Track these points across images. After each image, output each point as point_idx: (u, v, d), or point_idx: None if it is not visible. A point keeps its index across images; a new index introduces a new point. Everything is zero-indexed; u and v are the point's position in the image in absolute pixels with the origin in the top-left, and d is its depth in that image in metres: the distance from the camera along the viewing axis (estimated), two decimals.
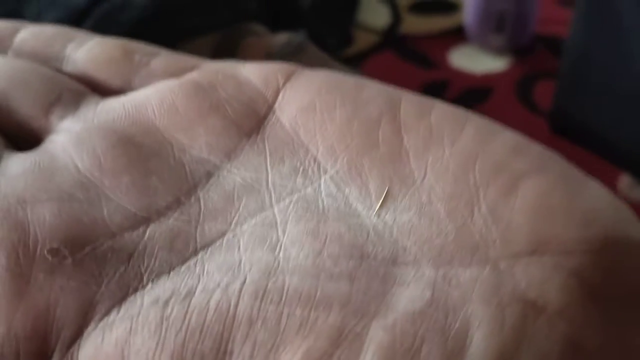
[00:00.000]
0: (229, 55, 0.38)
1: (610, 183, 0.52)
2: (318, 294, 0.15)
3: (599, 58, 0.47)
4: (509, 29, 0.58)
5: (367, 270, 0.15)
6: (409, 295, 0.15)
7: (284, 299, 0.15)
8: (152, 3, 0.33)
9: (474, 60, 0.59)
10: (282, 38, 0.39)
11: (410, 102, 0.18)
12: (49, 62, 0.20)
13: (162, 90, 0.19)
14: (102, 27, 0.32)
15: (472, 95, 0.57)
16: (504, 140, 0.17)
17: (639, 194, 0.52)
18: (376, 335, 0.14)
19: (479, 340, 0.14)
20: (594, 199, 0.16)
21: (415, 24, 0.63)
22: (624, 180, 0.53)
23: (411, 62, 0.60)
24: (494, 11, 0.57)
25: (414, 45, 0.61)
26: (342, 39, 0.60)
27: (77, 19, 0.32)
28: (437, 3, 0.66)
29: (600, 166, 0.49)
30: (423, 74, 0.59)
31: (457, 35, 0.61)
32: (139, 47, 0.20)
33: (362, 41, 0.61)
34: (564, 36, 0.50)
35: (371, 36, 0.62)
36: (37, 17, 0.32)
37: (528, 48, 0.60)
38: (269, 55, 0.38)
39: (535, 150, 0.17)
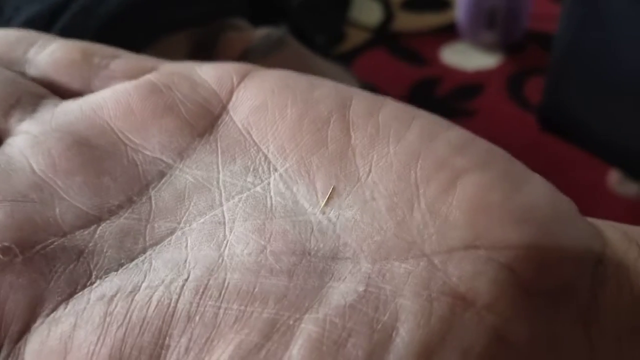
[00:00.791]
0: (209, 49, 0.38)
1: (599, 178, 0.52)
2: (256, 289, 0.15)
3: (587, 53, 0.48)
4: (500, 25, 0.58)
5: (307, 266, 0.16)
6: (343, 289, 0.15)
7: (223, 294, 0.15)
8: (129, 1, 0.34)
9: (466, 57, 0.59)
10: (262, 32, 0.40)
11: (360, 101, 0.18)
12: (11, 65, 0.20)
13: (118, 92, 0.19)
14: (80, 20, 0.32)
15: (463, 91, 0.57)
16: (448, 137, 0.17)
17: (628, 189, 0.53)
18: (306, 328, 0.14)
19: (404, 332, 0.14)
20: (532, 195, 0.16)
21: (407, 21, 0.63)
22: (613, 176, 0.53)
23: (403, 59, 0.60)
24: (485, 7, 0.57)
25: (405, 42, 0.61)
26: (333, 36, 0.61)
27: (55, 12, 0.32)
28: (429, 0, 0.66)
29: (590, 162, 0.50)
30: (415, 70, 0.59)
31: (449, 32, 0.61)
32: (99, 50, 0.21)
33: (354, 38, 0.61)
34: (556, 32, 0.50)
35: (363, 33, 0.62)
36: (17, 10, 0.33)
37: (519, 44, 0.60)
38: (248, 49, 0.38)
39: (479, 147, 0.17)
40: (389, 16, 0.64)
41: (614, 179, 0.52)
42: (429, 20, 0.63)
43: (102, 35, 0.32)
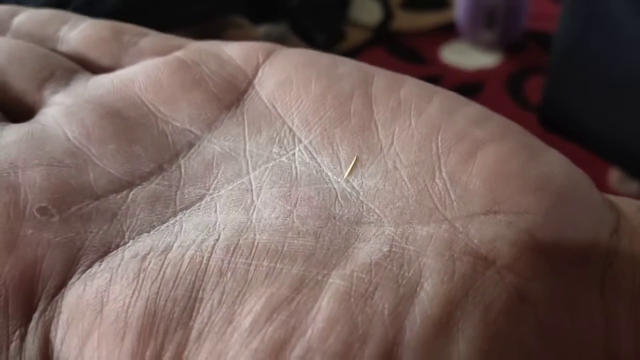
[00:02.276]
0: None
1: (600, 177, 0.53)
2: (285, 248, 0.16)
3: (587, 53, 0.48)
4: (499, 24, 0.59)
5: (332, 228, 0.16)
6: (368, 249, 0.16)
7: (253, 253, 0.16)
8: None
9: (465, 56, 0.60)
10: (262, 30, 0.40)
11: (382, 77, 0.19)
12: (44, 42, 0.21)
13: (148, 67, 0.20)
14: (83, 13, 0.33)
15: (463, 91, 0.57)
16: (467, 111, 0.18)
17: (629, 188, 0.53)
18: (334, 283, 0.15)
19: (428, 287, 0.15)
20: (549, 165, 0.17)
21: (407, 20, 0.64)
22: (614, 175, 0.53)
23: (403, 58, 0.61)
24: (485, 6, 0.58)
25: (405, 42, 0.62)
26: (333, 35, 0.61)
27: (59, 7, 0.33)
28: None
29: (591, 160, 0.50)
30: (414, 70, 0.60)
31: (449, 31, 0.62)
32: (129, 28, 0.21)
33: (354, 37, 0.62)
34: (555, 32, 0.51)
35: (363, 32, 0.63)
36: (19, 3, 0.33)
37: (519, 44, 0.61)
38: None
39: (497, 121, 0.18)
40: (388, 15, 0.64)
41: (615, 177, 0.53)
42: (428, 19, 0.64)
43: None
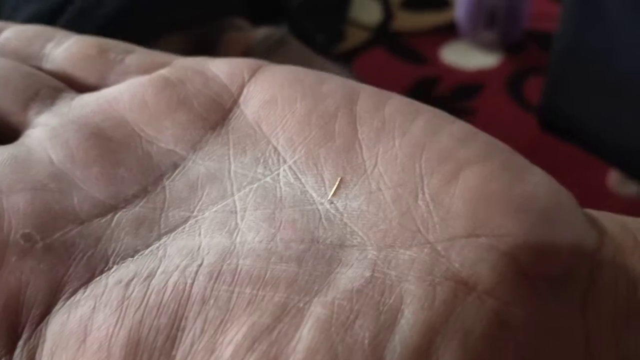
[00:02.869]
0: (210, 49, 0.39)
1: (599, 178, 0.52)
2: (267, 274, 0.16)
3: (587, 53, 0.48)
4: (499, 25, 0.59)
5: (315, 253, 0.16)
6: (350, 275, 0.16)
7: (235, 279, 0.16)
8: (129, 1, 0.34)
9: (466, 57, 0.60)
10: (262, 32, 0.40)
11: (367, 96, 0.19)
12: (29, 60, 0.21)
13: (133, 86, 0.20)
14: (79, 21, 0.33)
15: (463, 91, 0.58)
16: (451, 130, 0.18)
17: (628, 190, 0.53)
18: (315, 311, 0.15)
19: (409, 314, 0.15)
20: (532, 186, 0.17)
21: (407, 21, 0.64)
22: (613, 176, 0.53)
23: (403, 58, 0.61)
24: (485, 7, 0.58)
25: (405, 42, 0.62)
26: (333, 36, 0.61)
27: (54, 13, 0.33)
28: (429, 0, 0.66)
29: (590, 162, 0.50)
30: (414, 70, 0.60)
31: (449, 32, 0.62)
32: (115, 45, 0.21)
33: (354, 38, 0.62)
34: (555, 32, 0.50)
35: (363, 33, 0.63)
36: (15, 10, 0.33)
37: (519, 44, 0.61)
38: (249, 49, 0.39)
39: (482, 140, 0.18)
40: (388, 16, 0.64)
41: (614, 179, 0.52)
42: (428, 19, 0.64)
43: (101, 36, 0.32)
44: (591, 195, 0.50)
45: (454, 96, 0.57)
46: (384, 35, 0.63)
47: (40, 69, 0.21)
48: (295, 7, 0.55)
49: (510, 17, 0.58)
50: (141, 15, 0.36)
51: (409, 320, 0.15)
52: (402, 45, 0.62)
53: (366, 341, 0.15)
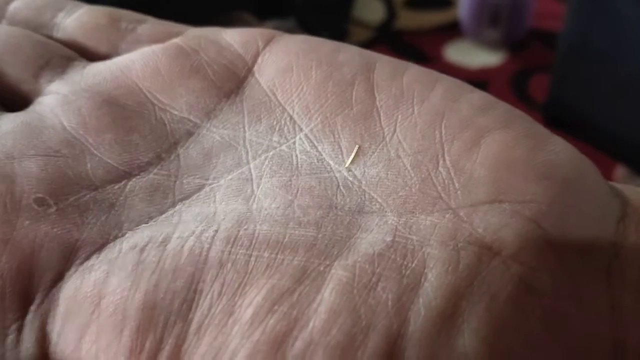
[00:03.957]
0: None
1: (606, 174, 0.52)
2: (286, 239, 0.16)
3: (592, 51, 0.48)
4: (503, 23, 0.58)
5: (334, 218, 0.16)
6: (370, 239, 0.15)
7: (253, 243, 0.16)
8: None
9: (469, 55, 0.60)
10: (269, 26, 0.40)
11: (384, 64, 0.19)
12: (40, 29, 0.21)
13: (146, 54, 0.20)
14: None
15: None
16: (471, 99, 0.18)
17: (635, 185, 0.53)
18: (336, 274, 0.15)
19: (432, 277, 0.14)
20: (555, 153, 0.17)
21: (411, 19, 0.64)
22: (620, 172, 0.53)
23: (406, 57, 0.60)
24: (489, 5, 0.58)
25: (409, 40, 0.62)
26: (336, 34, 0.61)
27: None
28: None
29: (596, 158, 0.50)
30: None
31: (453, 30, 0.62)
32: (126, 15, 0.21)
33: (357, 36, 0.62)
34: (559, 30, 0.50)
35: (366, 31, 0.63)
36: None
37: (523, 42, 0.60)
38: None
39: (502, 108, 0.18)
40: (392, 14, 0.64)
41: (620, 175, 0.52)
42: (432, 18, 0.64)
43: None
44: None
45: None
46: (387, 34, 0.62)
47: (51, 37, 0.21)
48: (299, 4, 0.55)
49: (514, 16, 0.58)
50: (148, 8, 0.36)
51: (433, 283, 0.14)
52: (405, 43, 0.61)
53: (390, 303, 0.14)
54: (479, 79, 0.58)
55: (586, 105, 0.50)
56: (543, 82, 0.55)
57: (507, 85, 0.57)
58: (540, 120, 0.51)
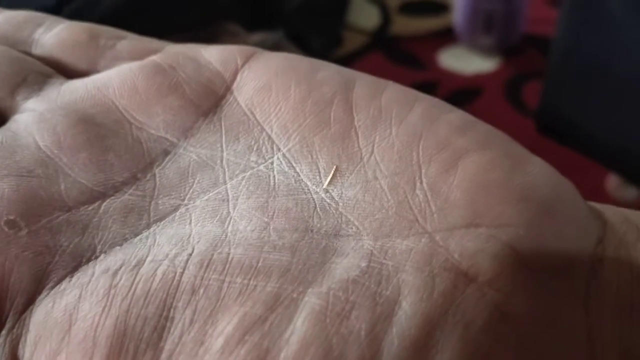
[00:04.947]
0: None
1: (598, 183, 0.52)
2: (260, 264, 0.15)
3: (585, 57, 0.48)
4: (497, 29, 0.58)
5: (310, 242, 0.16)
6: (345, 264, 0.15)
7: (226, 268, 0.15)
8: (120, 2, 0.34)
9: (464, 61, 0.60)
10: (256, 38, 0.40)
11: (363, 83, 0.19)
12: (18, 45, 0.21)
13: (123, 72, 0.19)
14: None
15: (461, 95, 0.57)
16: (449, 119, 0.18)
17: (628, 194, 0.53)
18: (309, 301, 0.15)
19: (407, 305, 0.14)
20: (532, 174, 0.17)
21: (405, 25, 0.64)
22: (612, 180, 0.53)
23: (401, 63, 0.60)
24: (483, 11, 0.58)
25: (403, 46, 0.62)
26: (331, 40, 0.61)
27: (49, 12, 0.32)
28: (427, 4, 0.66)
29: (588, 166, 0.50)
30: (413, 74, 0.59)
31: (447, 36, 0.62)
32: (105, 31, 0.21)
33: (352, 42, 0.61)
34: (553, 37, 0.50)
35: (361, 37, 0.62)
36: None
37: (517, 48, 0.60)
38: None
39: (480, 129, 0.18)
40: (386, 20, 0.64)
41: (613, 183, 0.52)
42: (426, 24, 0.64)
43: None
44: (590, 200, 0.49)
45: (452, 101, 0.56)
46: (381, 40, 0.62)
47: (29, 54, 0.21)
48: (292, 11, 0.55)
49: (508, 22, 0.58)
50: (134, 19, 0.36)
51: (407, 312, 0.14)
52: (400, 49, 0.61)
53: (363, 333, 0.14)
54: (473, 85, 0.58)
55: (579, 112, 0.49)
56: (537, 88, 0.54)
57: (501, 92, 0.57)
58: (533, 128, 0.50)
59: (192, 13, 0.47)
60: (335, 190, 0.17)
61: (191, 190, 0.17)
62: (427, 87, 0.58)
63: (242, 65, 0.19)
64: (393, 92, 0.18)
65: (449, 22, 0.62)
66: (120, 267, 0.16)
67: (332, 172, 0.17)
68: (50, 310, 0.15)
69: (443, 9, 0.65)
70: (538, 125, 0.51)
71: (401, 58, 0.61)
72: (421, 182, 0.17)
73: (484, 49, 0.59)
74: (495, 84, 0.58)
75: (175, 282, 0.15)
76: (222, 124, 0.19)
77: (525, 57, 0.60)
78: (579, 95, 0.49)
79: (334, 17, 0.61)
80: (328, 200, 0.17)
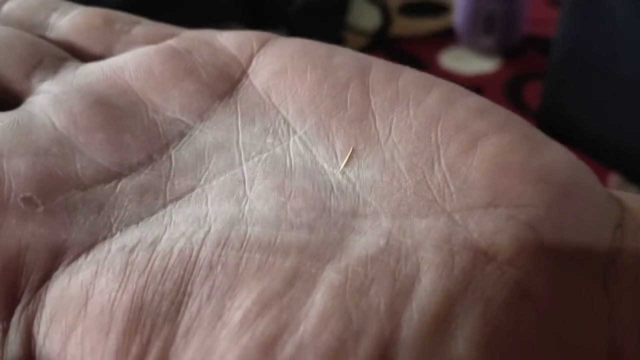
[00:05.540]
0: None
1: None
2: (277, 241, 0.15)
3: (586, 57, 0.48)
4: (498, 30, 0.58)
5: (327, 221, 0.16)
6: (364, 242, 0.15)
7: (244, 245, 0.15)
8: (121, 2, 0.34)
9: (464, 62, 0.60)
10: None
11: (379, 67, 0.19)
12: (33, 29, 0.21)
13: (139, 55, 0.19)
14: None
15: None
16: (467, 102, 0.18)
17: None
18: (328, 277, 0.15)
19: (426, 282, 0.14)
20: (552, 157, 0.17)
21: (406, 26, 0.64)
22: (613, 180, 0.53)
23: (401, 63, 0.60)
24: (483, 11, 0.58)
25: (404, 47, 0.62)
26: (332, 41, 0.61)
27: None
28: (427, 4, 0.66)
29: (590, 166, 0.50)
30: None
31: (447, 37, 0.62)
32: (121, 16, 0.21)
33: (353, 43, 0.61)
34: (554, 37, 0.50)
35: (361, 38, 0.62)
36: None
37: (518, 49, 0.60)
38: None
39: (498, 112, 0.18)
40: (387, 21, 0.64)
41: (614, 183, 0.52)
42: (427, 25, 0.64)
43: None
44: None
45: None
46: (382, 41, 0.62)
47: (44, 38, 0.21)
48: (293, 12, 0.55)
49: (509, 22, 0.58)
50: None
51: (427, 288, 0.14)
52: (400, 50, 0.61)
53: (382, 307, 0.14)
54: (473, 86, 0.58)
55: (580, 112, 0.50)
56: (538, 88, 0.54)
57: (502, 92, 0.57)
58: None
59: (194, 14, 0.47)
60: (352, 171, 0.17)
61: (207, 171, 0.17)
62: None
63: (258, 50, 0.20)
64: (410, 75, 0.18)
65: (450, 23, 0.62)
66: (137, 245, 0.16)
67: (349, 153, 0.17)
68: (67, 286, 0.15)
69: (443, 9, 0.65)
70: (539, 125, 0.51)
71: (402, 59, 0.61)
72: (439, 163, 0.17)
73: (484, 49, 0.59)
74: (496, 84, 0.58)
75: (192, 258, 0.15)
76: (238, 107, 0.19)
77: (526, 58, 0.60)
78: (580, 95, 0.49)
79: (334, 18, 0.61)
80: (345, 182, 0.17)
